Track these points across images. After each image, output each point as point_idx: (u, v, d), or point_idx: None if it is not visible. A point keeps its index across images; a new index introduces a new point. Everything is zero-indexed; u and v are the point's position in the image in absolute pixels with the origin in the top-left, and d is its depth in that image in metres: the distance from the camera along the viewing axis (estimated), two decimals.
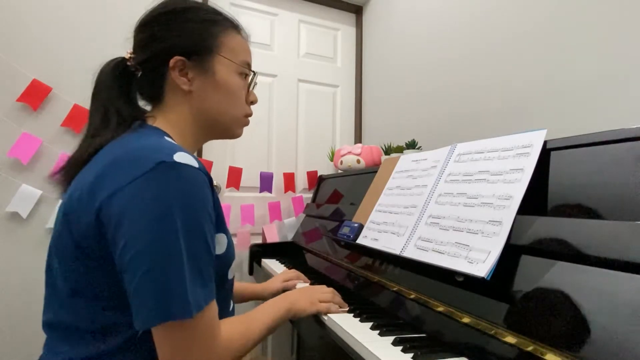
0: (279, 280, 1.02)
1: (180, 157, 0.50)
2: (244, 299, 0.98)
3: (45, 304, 0.57)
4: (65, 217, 0.52)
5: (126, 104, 0.62)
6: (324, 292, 0.79)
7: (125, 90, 0.63)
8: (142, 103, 0.67)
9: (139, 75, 0.64)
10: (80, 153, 0.58)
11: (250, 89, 0.70)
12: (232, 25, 0.67)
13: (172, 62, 0.60)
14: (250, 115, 0.71)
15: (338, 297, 0.80)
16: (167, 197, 0.47)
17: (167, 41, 0.61)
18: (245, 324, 0.60)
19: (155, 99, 0.64)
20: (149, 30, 0.62)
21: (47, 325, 0.56)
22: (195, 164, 0.52)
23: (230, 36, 0.66)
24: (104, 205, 0.48)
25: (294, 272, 1.06)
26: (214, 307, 0.52)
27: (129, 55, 0.63)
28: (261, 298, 1.00)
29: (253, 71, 0.69)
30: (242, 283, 1.00)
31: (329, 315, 0.77)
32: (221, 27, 0.65)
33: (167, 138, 0.58)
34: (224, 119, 0.66)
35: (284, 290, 0.97)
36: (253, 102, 0.71)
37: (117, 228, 0.47)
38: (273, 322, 0.66)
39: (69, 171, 0.58)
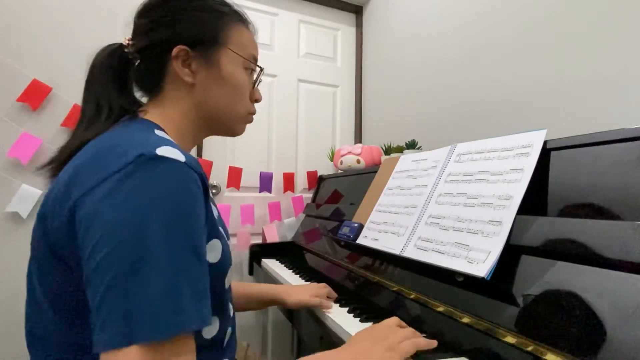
0: (307, 293, 0.84)
1: (164, 150, 0.44)
2: (263, 302, 0.86)
3: (25, 312, 0.51)
4: (41, 217, 0.46)
5: (120, 95, 0.57)
6: (399, 325, 0.59)
7: (121, 80, 0.59)
8: (138, 95, 0.63)
9: (137, 63, 0.60)
10: (67, 147, 0.53)
11: (256, 85, 0.67)
12: (240, 18, 0.63)
13: (175, 51, 0.56)
14: (254, 113, 0.67)
15: (421, 339, 0.58)
16: (144, 195, 0.41)
17: (171, 29, 0.57)
18: None
19: (154, 90, 0.60)
20: (153, 15, 0.58)
21: (28, 340, 0.51)
22: (182, 158, 0.45)
23: (238, 29, 0.62)
24: (77, 205, 0.42)
25: (324, 288, 0.87)
26: (189, 339, 0.41)
27: (127, 41, 0.59)
28: (282, 304, 0.86)
29: (260, 66, 0.66)
30: (256, 284, 0.89)
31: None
32: (231, 19, 0.61)
33: (157, 131, 0.52)
34: (228, 115, 0.63)
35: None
36: (257, 100, 0.67)
37: (86, 231, 0.40)
38: None
39: (55, 166, 0.54)
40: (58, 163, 0.54)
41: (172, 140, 0.51)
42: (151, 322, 0.37)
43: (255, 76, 0.66)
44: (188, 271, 0.42)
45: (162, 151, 0.44)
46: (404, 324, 0.61)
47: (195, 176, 0.46)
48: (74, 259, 0.43)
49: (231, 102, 0.62)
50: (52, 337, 0.48)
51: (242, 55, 0.62)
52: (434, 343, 0.58)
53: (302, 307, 0.84)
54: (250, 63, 0.64)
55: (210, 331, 0.54)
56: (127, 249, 0.39)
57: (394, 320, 0.60)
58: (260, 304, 0.88)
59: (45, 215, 0.46)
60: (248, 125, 0.69)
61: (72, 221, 0.42)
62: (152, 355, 0.37)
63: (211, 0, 0.61)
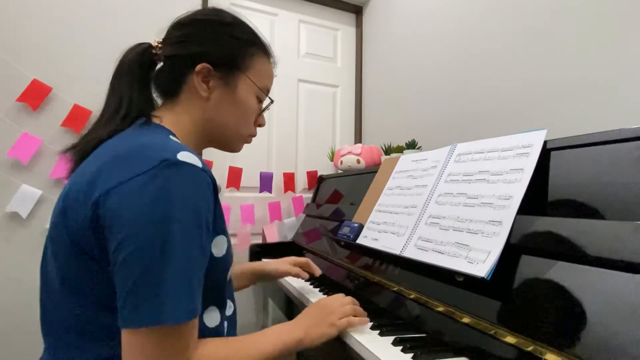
0: (286, 262, 0.93)
1: (184, 156, 0.50)
2: (248, 278, 0.92)
3: (41, 303, 0.55)
4: (63, 210, 0.51)
5: (140, 95, 0.62)
6: (343, 303, 0.70)
7: (144, 79, 0.63)
8: (154, 94, 0.67)
9: (160, 66, 0.65)
10: (89, 139, 0.57)
11: (262, 112, 0.72)
12: (265, 51, 0.69)
13: (199, 67, 0.61)
14: (255, 136, 0.72)
15: (358, 307, 0.72)
16: (167, 197, 0.46)
17: (201, 46, 0.62)
18: (233, 350, 0.55)
19: (170, 95, 0.65)
20: (189, 30, 0.63)
21: (44, 327, 0.55)
22: (199, 164, 0.51)
23: (260, 60, 0.68)
24: (101, 200, 0.47)
25: (304, 259, 0.96)
26: (196, 324, 0.50)
27: (156, 43, 0.63)
28: (262, 273, 0.93)
29: (271, 99, 0.72)
30: (243, 264, 0.93)
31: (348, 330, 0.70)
32: (256, 49, 0.67)
33: (172, 137, 0.57)
34: (231, 134, 0.68)
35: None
36: (260, 125, 0.73)
37: (113, 225, 0.46)
38: (272, 352, 0.58)
39: (77, 156, 0.58)
40: (80, 154, 0.57)
41: (184, 145, 0.55)
42: (175, 308, 0.45)
43: (264, 105, 0.72)
44: (197, 268, 0.49)
45: (182, 156, 0.49)
46: (347, 300, 0.71)
47: (209, 180, 0.52)
48: (97, 249, 0.48)
49: (238, 123, 0.67)
50: (68, 323, 0.51)
51: (257, 85, 0.67)
52: (365, 321, 0.70)
53: (284, 275, 0.93)
54: (262, 94, 0.69)
55: (212, 320, 0.58)
56: (154, 246, 0.45)
57: (340, 297, 0.72)
58: (247, 278, 0.93)
59: (66, 209, 0.50)
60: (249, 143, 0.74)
61: (96, 214, 0.47)
62: (171, 334, 0.46)
63: (243, 30, 0.67)
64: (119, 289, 0.46)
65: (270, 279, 0.97)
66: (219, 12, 0.66)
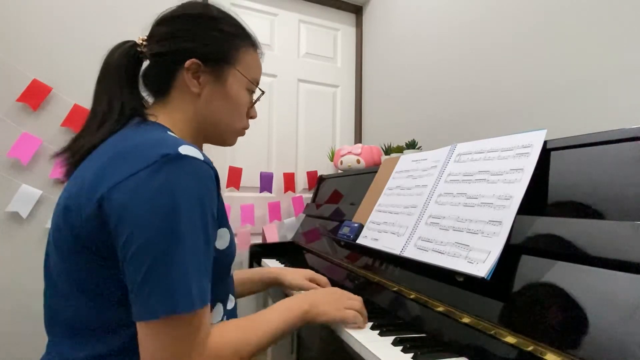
0: (303, 276, 0.89)
1: (185, 149, 0.50)
2: (263, 283, 0.89)
3: (45, 302, 0.56)
4: (65, 210, 0.51)
5: (130, 94, 0.61)
6: (352, 298, 0.70)
7: (132, 78, 0.62)
8: (144, 93, 0.66)
9: (147, 64, 0.64)
10: (82, 142, 0.57)
11: (254, 104, 0.72)
12: (252, 43, 0.69)
13: (188, 63, 0.60)
14: (247, 128, 0.72)
15: (364, 309, 0.70)
16: (172, 189, 0.47)
17: (190, 43, 0.61)
18: (244, 330, 0.55)
19: (161, 93, 0.64)
20: (175, 26, 0.63)
21: (48, 325, 0.55)
22: (201, 157, 0.51)
23: (248, 52, 0.67)
24: (105, 197, 0.47)
25: (323, 278, 0.91)
26: (208, 311, 0.51)
27: (141, 41, 0.62)
28: (279, 284, 0.90)
29: (261, 90, 0.71)
30: (256, 268, 0.91)
31: (346, 329, 0.68)
32: (243, 42, 0.67)
33: (170, 133, 0.57)
34: (224, 128, 0.68)
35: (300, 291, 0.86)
36: (252, 117, 0.73)
37: (119, 220, 0.46)
38: (282, 326, 0.59)
39: (71, 160, 0.57)
40: (75, 158, 0.57)
41: (183, 139, 0.55)
42: (187, 297, 0.46)
43: (255, 97, 0.72)
44: (205, 257, 0.50)
45: (184, 150, 0.50)
46: (358, 298, 0.71)
47: (212, 173, 0.53)
48: (102, 246, 0.49)
49: (230, 117, 0.67)
50: (73, 319, 0.52)
51: (247, 78, 0.67)
52: (365, 324, 0.69)
53: (298, 288, 0.88)
54: (252, 85, 0.69)
55: (216, 316, 0.58)
56: (162, 237, 0.46)
57: (350, 293, 0.72)
58: (260, 284, 0.91)
59: (69, 208, 0.50)
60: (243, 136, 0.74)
61: (101, 212, 0.47)
62: (185, 323, 0.47)
63: (230, 23, 0.66)
64: (130, 284, 0.47)
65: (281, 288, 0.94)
66: (204, 7, 0.65)
